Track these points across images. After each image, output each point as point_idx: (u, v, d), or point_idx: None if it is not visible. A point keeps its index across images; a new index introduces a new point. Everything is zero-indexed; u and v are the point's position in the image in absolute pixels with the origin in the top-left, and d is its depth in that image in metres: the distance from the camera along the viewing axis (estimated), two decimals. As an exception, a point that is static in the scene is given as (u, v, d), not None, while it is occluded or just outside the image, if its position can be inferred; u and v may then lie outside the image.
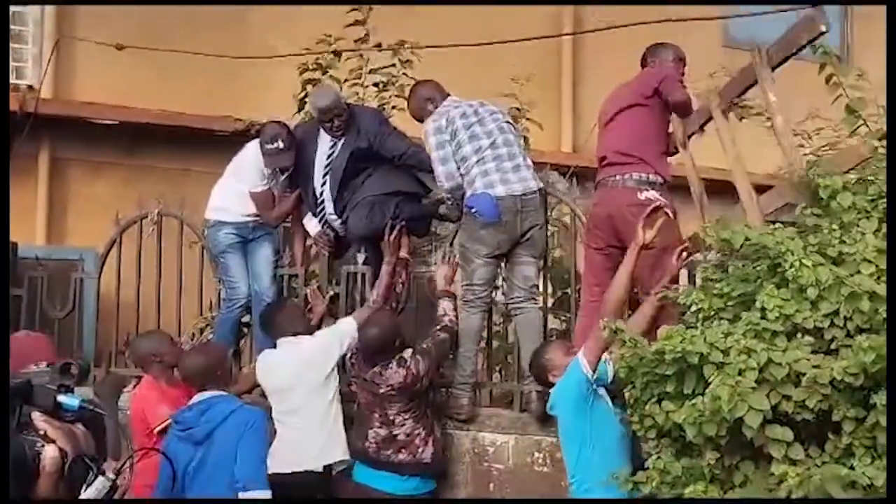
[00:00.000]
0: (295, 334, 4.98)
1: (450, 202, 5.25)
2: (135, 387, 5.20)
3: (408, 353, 4.74)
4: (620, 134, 4.70)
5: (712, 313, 3.69)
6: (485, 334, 5.65)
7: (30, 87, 7.77)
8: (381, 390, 4.65)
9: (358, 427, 4.81)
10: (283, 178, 5.58)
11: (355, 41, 6.45)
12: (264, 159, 5.44)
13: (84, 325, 6.34)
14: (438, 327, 4.87)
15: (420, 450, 4.65)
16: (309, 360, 4.86)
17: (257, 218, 5.60)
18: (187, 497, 4.09)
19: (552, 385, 4.19)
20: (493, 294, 5.19)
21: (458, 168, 5.04)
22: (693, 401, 3.42)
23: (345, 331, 4.92)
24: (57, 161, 7.94)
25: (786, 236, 3.47)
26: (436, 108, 5.24)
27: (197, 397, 4.25)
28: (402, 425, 4.65)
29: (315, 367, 4.83)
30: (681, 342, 3.51)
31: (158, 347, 4.88)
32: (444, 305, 4.95)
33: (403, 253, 5.21)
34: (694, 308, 3.78)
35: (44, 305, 6.33)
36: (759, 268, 3.63)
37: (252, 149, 5.57)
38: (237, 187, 5.58)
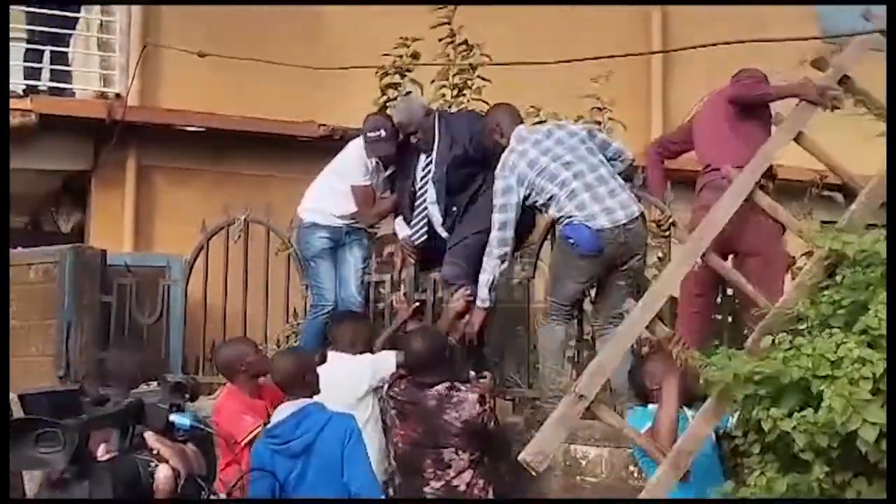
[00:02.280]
0: (344, 350, 4.94)
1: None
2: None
3: (487, 380, 4.68)
4: (726, 140, 4.68)
5: (820, 322, 3.59)
6: (572, 343, 5.58)
7: (117, 95, 7.95)
8: (451, 416, 4.42)
9: (406, 479, 4.55)
10: (384, 174, 5.64)
11: (440, 40, 6.45)
12: (366, 147, 5.52)
13: (171, 332, 6.47)
14: None
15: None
16: (340, 382, 4.71)
17: (351, 221, 5.65)
18: None
19: (647, 393, 4.14)
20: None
21: (549, 206, 4.85)
22: (803, 413, 3.32)
23: (383, 359, 4.83)
24: (143, 168, 8.10)
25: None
26: (502, 136, 5.05)
27: (288, 408, 4.19)
28: (461, 472, 4.42)
29: (344, 390, 4.69)
30: (785, 353, 3.41)
31: (244, 355, 4.79)
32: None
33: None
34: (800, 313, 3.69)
35: (132, 312, 6.46)
36: (871, 275, 3.51)
37: (354, 145, 5.67)
38: (336, 186, 5.64)
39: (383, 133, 5.46)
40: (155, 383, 2.32)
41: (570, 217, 4.73)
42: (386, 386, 4.71)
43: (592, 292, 5.06)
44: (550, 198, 4.82)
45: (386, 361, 4.82)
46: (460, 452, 4.42)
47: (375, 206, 5.66)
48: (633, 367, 4.42)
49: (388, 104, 6.20)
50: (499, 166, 4.96)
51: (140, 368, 3.90)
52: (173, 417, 2.06)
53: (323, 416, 4.15)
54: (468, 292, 5.05)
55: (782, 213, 4.34)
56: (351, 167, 5.62)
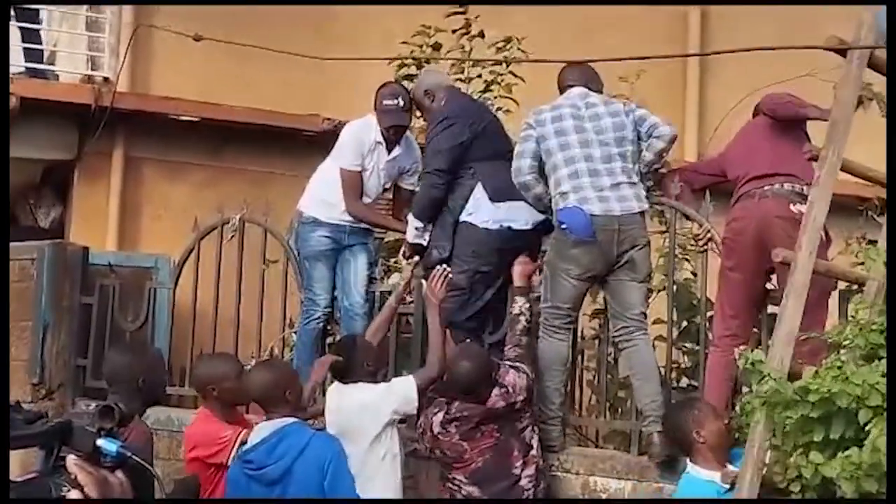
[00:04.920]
0: (357, 381, 4.69)
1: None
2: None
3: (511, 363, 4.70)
4: (766, 150, 4.75)
5: (869, 352, 3.54)
6: (592, 364, 5.52)
7: (105, 79, 7.92)
8: (518, 401, 4.55)
9: (494, 483, 4.54)
10: (386, 158, 5.52)
11: (454, 31, 6.42)
12: (381, 117, 5.43)
13: (157, 339, 6.41)
14: (518, 331, 4.79)
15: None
16: (352, 421, 4.57)
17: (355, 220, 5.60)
18: None
19: (689, 446, 4.07)
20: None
21: (549, 177, 4.90)
22: (848, 453, 3.27)
23: (401, 392, 4.62)
24: (131, 160, 8.08)
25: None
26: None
27: (266, 428, 4.07)
28: (531, 445, 4.61)
29: (359, 430, 4.55)
30: (832, 380, 3.37)
31: (220, 374, 4.53)
32: (520, 303, 4.85)
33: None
34: (847, 345, 3.64)
35: (115, 316, 6.42)
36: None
37: (348, 128, 5.63)
38: (337, 175, 5.58)
39: (401, 102, 5.40)
40: (93, 405, 2.29)
41: (566, 198, 4.77)
42: (439, 417, 4.59)
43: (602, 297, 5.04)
44: (554, 168, 4.85)
45: (405, 395, 4.60)
46: (532, 430, 4.66)
47: (369, 210, 5.62)
48: (670, 406, 4.39)
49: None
50: (532, 113, 5.02)
51: (144, 373, 3.83)
52: (100, 442, 2.04)
53: (303, 436, 4.04)
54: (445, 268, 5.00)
55: (838, 269, 4.38)
56: (343, 151, 5.55)
